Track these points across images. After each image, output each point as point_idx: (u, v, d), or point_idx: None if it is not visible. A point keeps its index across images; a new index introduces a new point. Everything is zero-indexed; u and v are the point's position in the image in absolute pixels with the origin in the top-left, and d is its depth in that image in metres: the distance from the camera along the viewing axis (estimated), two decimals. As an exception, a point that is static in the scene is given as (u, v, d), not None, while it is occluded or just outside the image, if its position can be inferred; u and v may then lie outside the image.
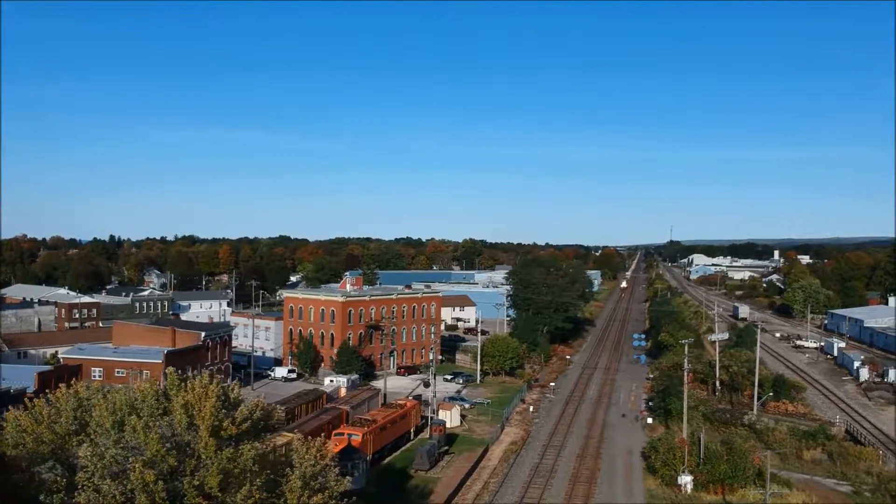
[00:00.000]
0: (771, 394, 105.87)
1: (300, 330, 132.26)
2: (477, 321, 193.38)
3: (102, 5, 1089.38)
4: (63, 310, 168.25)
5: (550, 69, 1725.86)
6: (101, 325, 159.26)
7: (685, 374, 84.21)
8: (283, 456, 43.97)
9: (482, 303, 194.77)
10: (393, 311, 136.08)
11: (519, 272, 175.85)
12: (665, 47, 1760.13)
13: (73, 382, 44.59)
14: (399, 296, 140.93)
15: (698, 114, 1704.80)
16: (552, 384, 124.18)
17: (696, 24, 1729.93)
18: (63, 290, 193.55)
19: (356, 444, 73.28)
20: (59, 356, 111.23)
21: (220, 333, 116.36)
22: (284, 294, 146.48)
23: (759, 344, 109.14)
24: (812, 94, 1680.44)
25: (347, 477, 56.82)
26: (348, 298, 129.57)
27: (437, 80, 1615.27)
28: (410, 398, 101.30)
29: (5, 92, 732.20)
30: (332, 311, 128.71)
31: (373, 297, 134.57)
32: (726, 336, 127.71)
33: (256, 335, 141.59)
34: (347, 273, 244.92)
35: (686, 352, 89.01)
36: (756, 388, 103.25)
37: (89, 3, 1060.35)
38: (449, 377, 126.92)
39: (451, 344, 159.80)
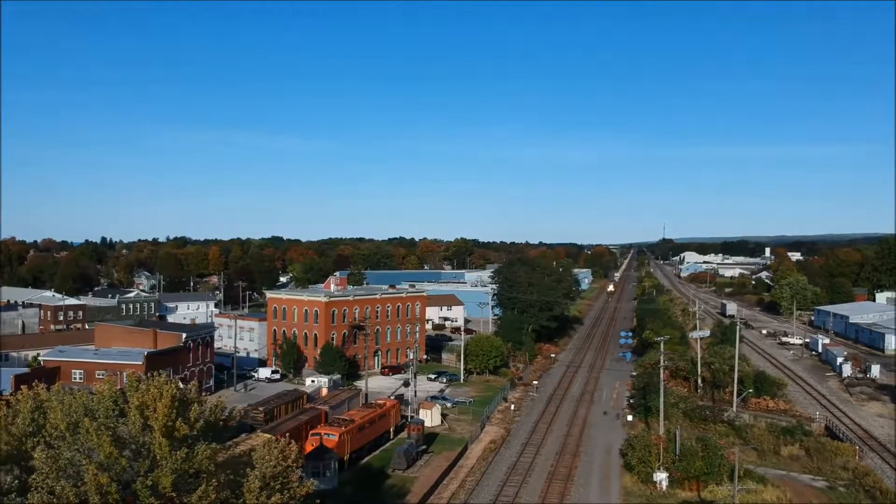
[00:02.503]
0: (751, 390, 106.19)
1: (284, 331, 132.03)
2: (465, 321, 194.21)
3: (98, 6, 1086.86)
4: (48, 312, 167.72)
5: (547, 71, 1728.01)
6: (87, 327, 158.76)
7: (661, 371, 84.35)
8: (246, 456, 43.97)
9: (470, 302, 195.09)
10: (377, 311, 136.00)
11: (504, 271, 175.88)
12: (657, 49, 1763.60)
13: (35, 384, 44.47)
14: (383, 296, 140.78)
15: (692, 113, 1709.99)
16: (535, 382, 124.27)
17: (689, 26, 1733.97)
18: (49, 293, 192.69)
19: (330, 445, 73.25)
20: (40, 358, 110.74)
21: (202, 335, 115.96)
22: (268, 295, 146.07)
23: (738, 340, 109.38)
24: (806, 92, 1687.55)
25: (312, 479, 56.95)
26: (332, 299, 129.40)
27: (436, 81, 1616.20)
28: (392, 398, 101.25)
29: (4, 94, 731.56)
30: (316, 311, 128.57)
31: (356, 298, 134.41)
32: (707, 333, 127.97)
33: (241, 336, 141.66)
34: (337, 273, 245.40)
35: (662, 349, 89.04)
36: (735, 385, 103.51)
37: (85, 4, 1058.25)
38: (433, 376, 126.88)
39: (437, 343, 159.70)
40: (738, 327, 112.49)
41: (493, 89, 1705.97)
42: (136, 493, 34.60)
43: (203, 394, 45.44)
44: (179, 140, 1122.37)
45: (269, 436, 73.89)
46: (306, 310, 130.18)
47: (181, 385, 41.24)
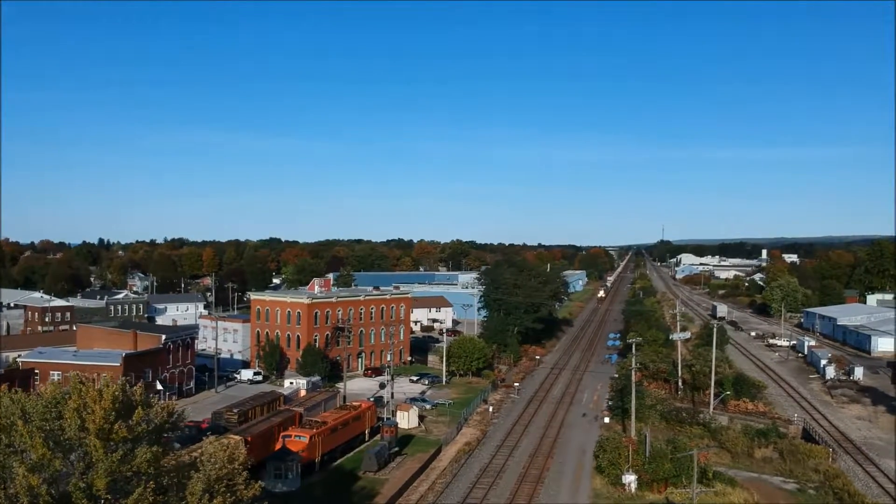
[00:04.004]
0: (729, 392, 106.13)
1: (267, 332, 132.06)
2: (454, 322, 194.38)
3: (97, 6, 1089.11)
4: (35, 313, 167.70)
5: (547, 73, 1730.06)
6: (74, 328, 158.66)
7: (633, 373, 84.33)
8: (192, 458, 43.92)
9: (459, 304, 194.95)
10: (360, 313, 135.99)
11: (490, 273, 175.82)
12: (657, 51, 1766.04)
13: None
14: (367, 297, 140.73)
15: (692, 115, 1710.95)
16: (517, 384, 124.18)
17: (687, 28, 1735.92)
18: (37, 294, 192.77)
19: (300, 447, 73.13)
20: (19, 360, 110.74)
21: (182, 336, 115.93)
22: (252, 296, 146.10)
23: (715, 342, 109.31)
24: (807, 94, 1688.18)
25: (269, 481, 56.89)
26: (314, 300, 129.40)
27: (436, 83, 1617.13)
28: (370, 399, 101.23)
29: (3, 94, 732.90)
30: (298, 312, 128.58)
31: (340, 299, 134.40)
32: (688, 335, 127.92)
33: (225, 338, 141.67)
34: (329, 274, 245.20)
35: (635, 350, 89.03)
36: (712, 387, 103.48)
37: (85, 4, 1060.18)
38: (415, 378, 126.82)
39: (423, 345, 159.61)
40: (715, 329, 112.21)
41: (493, 90, 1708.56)
42: (70, 494, 34.55)
43: (159, 395, 45.37)
44: (178, 141, 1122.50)
45: (238, 437, 74.10)
46: (289, 311, 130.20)
47: (128, 388, 41.15)
